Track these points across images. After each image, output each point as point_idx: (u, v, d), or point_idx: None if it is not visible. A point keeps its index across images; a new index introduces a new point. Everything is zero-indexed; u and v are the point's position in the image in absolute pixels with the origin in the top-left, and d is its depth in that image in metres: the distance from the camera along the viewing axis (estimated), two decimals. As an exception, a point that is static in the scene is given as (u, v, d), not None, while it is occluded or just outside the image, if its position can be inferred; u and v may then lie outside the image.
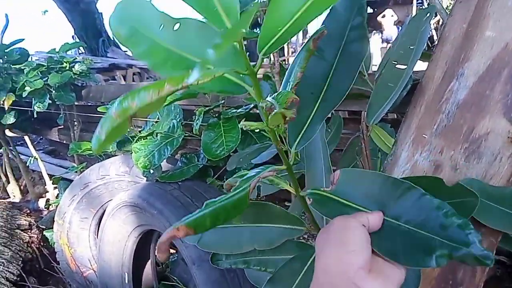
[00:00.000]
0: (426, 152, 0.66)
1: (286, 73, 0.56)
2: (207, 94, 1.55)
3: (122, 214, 1.58)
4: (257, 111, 1.38)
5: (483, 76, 0.63)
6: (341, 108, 1.46)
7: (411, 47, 0.80)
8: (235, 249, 0.68)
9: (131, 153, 1.53)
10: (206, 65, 0.35)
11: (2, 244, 2.04)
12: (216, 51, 0.33)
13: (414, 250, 0.41)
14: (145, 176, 1.57)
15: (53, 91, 2.32)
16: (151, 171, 1.52)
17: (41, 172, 2.96)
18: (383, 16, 9.11)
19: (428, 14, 0.81)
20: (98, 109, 1.87)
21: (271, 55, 2.57)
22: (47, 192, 3.00)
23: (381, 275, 0.40)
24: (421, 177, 0.62)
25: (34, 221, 2.40)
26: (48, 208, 2.84)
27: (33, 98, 2.32)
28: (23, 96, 2.28)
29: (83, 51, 6.35)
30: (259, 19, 1.46)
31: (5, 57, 2.46)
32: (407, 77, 0.76)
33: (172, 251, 1.93)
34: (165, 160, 1.51)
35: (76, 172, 2.36)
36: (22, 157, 3.15)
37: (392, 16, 8.91)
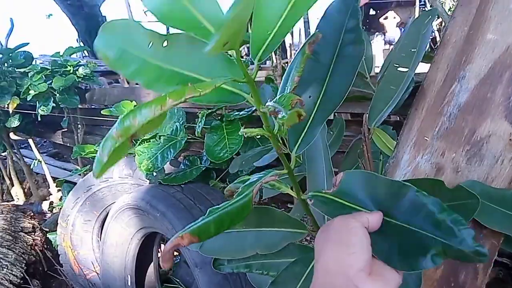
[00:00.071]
0: (428, 155, 0.66)
1: (283, 77, 0.57)
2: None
3: (125, 217, 1.59)
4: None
5: (485, 79, 0.63)
6: (343, 110, 1.46)
7: (412, 50, 0.80)
8: (237, 254, 0.68)
9: (134, 156, 1.53)
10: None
11: (6, 246, 2.05)
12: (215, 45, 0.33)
13: (409, 252, 0.41)
14: (148, 179, 1.58)
15: (57, 94, 2.33)
16: (154, 173, 1.52)
17: (45, 175, 2.97)
18: (386, 18, 9.11)
19: (429, 17, 0.81)
20: (102, 112, 1.89)
21: (274, 57, 2.57)
22: (51, 194, 3.01)
23: (380, 278, 0.40)
24: (422, 179, 0.62)
25: (38, 223, 2.41)
26: (51, 211, 2.86)
27: (37, 102, 2.34)
28: (28, 99, 2.30)
29: (87, 54, 6.38)
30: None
31: (10, 60, 2.48)
32: (408, 80, 0.76)
33: (175, 253, 1.93)
34: (168, 163, 1.51)
35: (79, 174, 2.37)
36: (26, 160, 3.17)
37: (395, 18, 8.91)
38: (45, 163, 2.93)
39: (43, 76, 2.31)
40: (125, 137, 0.34)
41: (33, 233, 2.30)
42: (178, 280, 1.81)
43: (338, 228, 0.44)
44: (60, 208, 2.04)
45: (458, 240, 0.38)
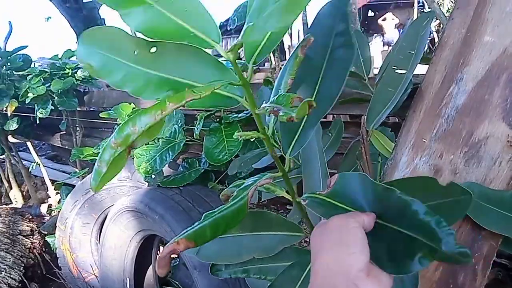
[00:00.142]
0: (426, 157, 0.66)
1: (277, 80, 0.57)
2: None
3: (124, 219, 1.59)
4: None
5: (482, 81, 0.63)
6: (342, 112, 1.46)
7: (410, 52, 0.80)
8: (234, 259, 0.68)
9: (133, 158, 1.53)
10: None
11: (4, 250, 2.05)
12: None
13: (398, 254, 0.41)
14: (146, 181, 1.58)
15: (56, 97, 2.33)
16: (153, 176, 1.52)
17: (43, 178, 2.97)
18: (384, 20, 9.13)
19: (427, 19, 0.82)
20: (101, 114, 1.88)
21: (272, 59, 2.57)
22: (49, 197, 3.01)
23: (377, 279, 0.40)
24: (414, 178, 0.62)
25: (36, 226, 2.40)
26: (50, 214, 2.85)
27: (35, 104, 2.34)
28: (26, 102, 2.30)
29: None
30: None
31: (8, 63, 2.48)
32: (406, 82, 0.76)
33: (174, 256, 1.93)
34: (166, 165, 1.51)
35: (78, 177, 2.37)
36: (24, 162, 3.16)
37: (393, 19, 8.93)
38: (44, 165, 2.93)
39: (42, 79, 2.31)
40: (125, 146, 0.34)
41: (31, 236, 2.29)
42: (177, 283, 1.80)
43: (337, 228, 0.44)
44: (59, 211, 2.03)
45: (441, 241, 0.38)
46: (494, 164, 0.62)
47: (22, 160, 3.09)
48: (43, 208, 2.92)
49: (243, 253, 0.66)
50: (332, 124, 1.10)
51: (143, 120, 0.34)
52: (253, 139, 0.50)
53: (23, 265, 2.07)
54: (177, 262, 1.90)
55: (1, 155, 2.93)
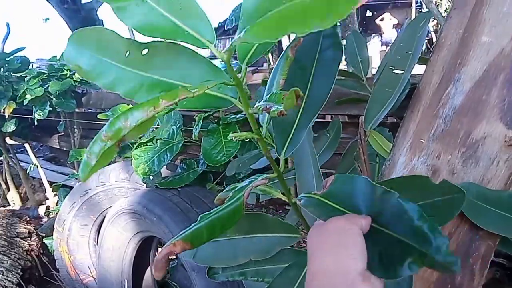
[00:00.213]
0: (424, 157, 0.66)
1: (269, 80, 0.57)
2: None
3: (122, 221, 1.58)
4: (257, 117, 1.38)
5: (480, 81, 0.63)
6: (340, 112, 1.46)
7: (408, 52, 0.80)
8: (231, 262, 0.67)
9: (131, 160, 1.53)
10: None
11: (1, 252, 2.04)
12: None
13: (389, 259, 0.41)
14: (144, 183, 1.57)
15: (54, 99, 2.33)
16: (151, 177, 1.52)
17: (41, 179, 2.96)
18: (382, 20, 9.15)
19: (424, 20, 0.82)
20: (99, 116, 1.88)
21: (271, 60, 2.57)
22: (47, 199, 3.00)
23: (371, 283, 0.41)
24: (409, 176, 0.62)
25: (34, 228, 2.39)
26: (48, 216, 2.84)
27: (33, 106, 2.33)
28: (24, 104, 2.29)
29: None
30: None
31: (6, 65, 2.47)
32: (404, 82, 0.76)
33: (172, 257, 1.92)
34: (164, 166, 1.51)
35: (76, 179, 2.36)
36: (22, 164, 3.15)
37: (391, 19, 8.95)
38: (42, 167, 2.92)
39: (40, 80, 2.30)
40: (116, 140, 0.34)
41: (29, 238, 2.28)
42: (175, 284, 1.80)
43: (337, 230, 0.44)
44: (57, 213, 2.03)
45: (433, 247, 0.38)
46: (491, 164, 0.62)
47: (20, 162, 3.08)
48: (41, 210, 2.91)
49: (239, 255, 0.66)
50: (330, 125, 1.10)
51: (135, 115, 0.34)
52: (249, 139, 0.50)
53: (20, 267, 2.06)
54: (175, 264, 1.90)
55: (-1, 156, 2.93)
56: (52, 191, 2.86)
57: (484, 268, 0.62)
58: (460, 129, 0.64)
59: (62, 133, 2.83)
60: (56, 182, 2.78)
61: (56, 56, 2.50)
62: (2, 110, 2.38)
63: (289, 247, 0.68)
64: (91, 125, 2.50)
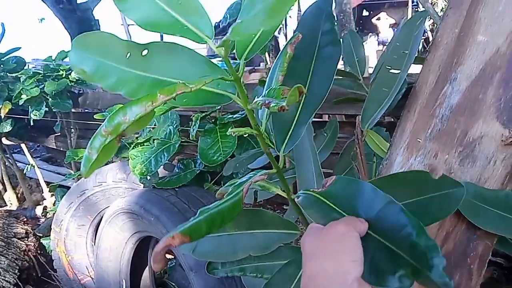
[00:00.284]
0: (421, 156, 0.66)
1: (268, 77, 0.58)
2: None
3: (119, 221, 1.58)
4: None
5: (476, 80, 0.64)
6: (337, 112, 1.46)
7: (404, 52, 0.80)
8: (230, 257, 0.68)
9: (128, 160, 1.52)
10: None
11: (-1, 252, 2.03)
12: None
13: (379, 267, 0.41)
14: (142, 183, 1.57)
15: (50, 99, 2.32)
16: (148, 177, 1.52)
17: (38, 180, 2.95)
18: (378, 19, 9.16)
19: (420, 19, 0.82)
20: (95, 116, 1.87)
21: (267, 59, 2.57)
22: (45, 199, 2.99)
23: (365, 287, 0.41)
24: (407, 172, 0.62)
25: (31, 229, 2.39)
26: (45, 216, 2.83)
27: (29, 106, 2.32)
28: (20, 104, 2.28)
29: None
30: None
31: (1, 65, 2.46)
32: (401, 81, 0.76)
33: (170, 257, 1.92)
34: (162, 166, 1.51)
35: (73, 179, 2.35)
36: (19, 164, 3.14)
37: (387, 18, 8.96)
38: (38, 167, 2.91)
39: (36, 80, 2.30)
40: (115, 134, 0.34)
41: (26, 239, 2.27)
42: (173, 284, 1.80)
43: (337, 235, 0.44)
44: (54, 213, 2.02)
45: (429, 266, 0.38)
46: (488, 163, 0.62)
47: (16, 162, 3.06)
48: (38, 210, 2.90)
49: (239, 251, 0.66)
50: (327, 124, 1.10)
51: (134, 110, 0.35)
52: (246, 139, 0.50)
53: (18, 267, 2.05)
54: (174, 263, 1.89)
55: (-5, 157, 2.91)
56: (49, 191, 2.85)
57: (482, 268, 0.62)
58: (457, 129, 0.64)
59: (59, 134, 2.83)
60: (53, 182, 2.77)
61: (51, 56, 2.49)
62: (-2, 111, 2.37)
63: (288, 244, 0.69)
64: (87, 125, 2.50)
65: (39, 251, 2.28)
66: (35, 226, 2.52)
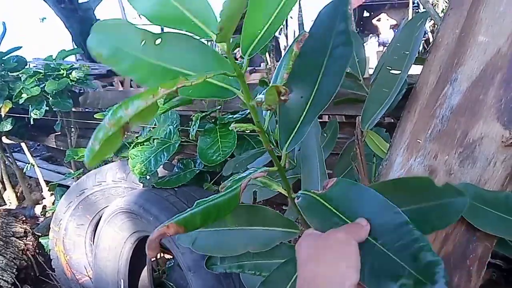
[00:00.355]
0: (421, 157, 0.66)
1: (273, 75, 0.58)
2: (203, 100, 1.55)
3: (118, 221, 1.58)
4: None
5: (477, 81, 0.63)
6: (337, 112, 1.46)
7: (405, 52, 0.80)
8: (229, 252, 0.68)
9: (128, 159, 1.52)
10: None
11: (-3, 252, 2.03)
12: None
13: (381, 274, 0.42)
14: (141, 182, 1.57)
15: (50, 98, 2.32)
16: (148, 177, 1.51)
17: (38, 179, 2.95)
18: (379, 20, 9.16)
19: (421, 20, 0.81)
20: (96, 115, 1.87)
21: (268, 59, 2.56)
22: (44, 198, 2.99)
23: None
24: (410, 178, 0.62)
25: (30, 228, 2.38)
26: (44, 215, 2.83)
27: (30, 105, 2.32)
28: (20, 103, 2.28)
29: (81, 58, 6.35)
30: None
31: (2, 64, 2.46)
32: (401, 82, 0.76)
33: (168, 257, 1.92)
34: (161, 166, 1.50)
35: (73, 178, 2.35)
36: (18, 163, 3.14)
37: (388, 19, 8.96)
38: (38, 166, 2.91)
39: (36, 79, 2.29)
40: (118, 127, 0.35)
41: (25, 238, 2.27)
42: (171, 284, 1.79)
43: (337, 242, 0.45)
44: (53, 212, 2.02)
45: (432, 281, 0.38)
46: (488, 164, 0.62)
47: (16, 161, 3.06)
48: (37, 210, 2.90)
49: (238, 246, 0.67)
50: (327, 125, 1.10)
51: (135, 103, 0.36)
52: (247, 133, 0.51)
53: (16, 267, 2.05)
54: (172, 263, 1.89)
55: (-5, 156, 2.91)
56: (49, 190, 2.85)
57: (481, 269, 0.62)
58: (457, 129, 0.63)
59: (59, 133, 2.82)
60: (53, 182, 2.77)
61: (52, 56, 2.49)
62: (-2, 109, 2.37)
63: (287, 243, 0.69)
64: (88, 124, 2.49)
65: (37, 251, 2.28)
66: (34, 225, 2.52)
